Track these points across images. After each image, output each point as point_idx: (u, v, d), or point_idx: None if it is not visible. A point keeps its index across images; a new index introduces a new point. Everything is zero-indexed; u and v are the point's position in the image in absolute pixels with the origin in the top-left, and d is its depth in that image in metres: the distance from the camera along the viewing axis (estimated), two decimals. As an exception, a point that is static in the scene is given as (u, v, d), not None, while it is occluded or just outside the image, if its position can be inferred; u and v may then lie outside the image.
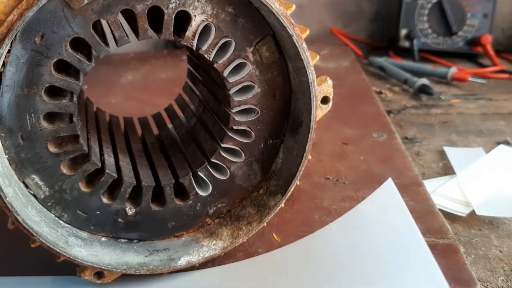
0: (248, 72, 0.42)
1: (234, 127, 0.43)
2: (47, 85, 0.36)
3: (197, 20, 0.39)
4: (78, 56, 0.36)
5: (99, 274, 0.41)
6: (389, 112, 0.95)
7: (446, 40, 1.40)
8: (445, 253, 0.44)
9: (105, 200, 0.41)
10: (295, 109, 0.45)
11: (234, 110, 0.43)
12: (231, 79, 0.41)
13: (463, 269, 0.42)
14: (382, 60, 1.27)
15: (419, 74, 1.16)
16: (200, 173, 0.44)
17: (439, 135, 0.84)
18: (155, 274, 0.42)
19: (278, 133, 0.46)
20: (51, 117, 0.38)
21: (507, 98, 1.06)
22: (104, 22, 0.37)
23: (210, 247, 0.45)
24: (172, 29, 0.38)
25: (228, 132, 0.43)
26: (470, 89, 1.13)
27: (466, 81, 1.14)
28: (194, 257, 0.44)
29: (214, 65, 0.41)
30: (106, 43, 0.37)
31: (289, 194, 0.44)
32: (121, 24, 0.37)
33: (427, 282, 0.36)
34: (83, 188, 0.40)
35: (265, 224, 0.45)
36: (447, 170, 0.69)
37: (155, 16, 0.38)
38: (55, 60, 0.36)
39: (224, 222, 0.46)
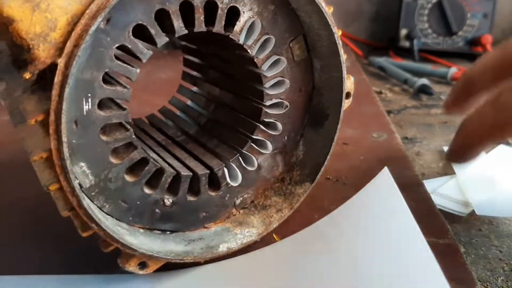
0: (282, 68, 0.45)
1: (266, 120, 0.46)
2: (106, 70, 0.36)
3: (245, 16, 0.41)
4: (139, 43, 0.36)
5: (143, 264, 0.40)
6: (389, 112, 0.95)
7: (446, 40, 1.40)
8: (445, 253, 0.44)
9: (146, 190, 0.41)
10: (318, 104, 0.49)
11: (267, 104, 0.46)
12: (268, 74, 0.45)
13: (463, 269, 0.42)
14: (382, 60, 1.27)
15: (419, 74, 1.17)
16: (232, 164, 0.46)
17: (439, 135, 0.84)
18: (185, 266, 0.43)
19: (300, 127, 0.50)
20: (105, 103, 0.38)
21: None
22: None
23: (245, 234, 0.46)
24: (224, 23, 0.40)
25: (259, 125, 0.46)
26: (470, 89, 1.13)
27: (466, 81, 1.14)
28: (232, 243, 0.45)
29: (255, 60, 0.43)
30: (166, 33, 0.37)
31: (316, 181, 0.49)
32: (180, 14, 0.37)
33: (427, 279, 0.35)
34: (127, 177, 0.40)
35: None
36: (447, 170, 0.69)
37: (206, 10, 0.39)
38: (117, 45, 0.35)
39: (249, 212, 0.48)
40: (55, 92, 0.31)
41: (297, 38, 0.46)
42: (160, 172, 0.41)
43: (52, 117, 0.32)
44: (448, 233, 0.48)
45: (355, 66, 1.18)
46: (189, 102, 0.58)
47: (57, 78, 0.31)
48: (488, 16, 1.36)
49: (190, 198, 0.44)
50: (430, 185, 0.62)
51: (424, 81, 1.07)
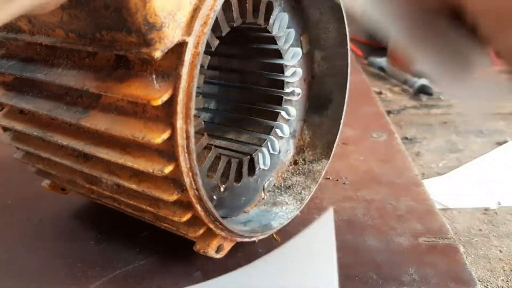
0: (299, 59, 0.49)
1: (285, 106, 0.50)
2: None
3: (276, 10, 0.44)
4: (211, 33, 0.36)
5: (219, 247, 0.41)
6: (389, 112, 0.95)
7: (446, 40, 1.40)
8: (445, 253, 0.45)
9: (209, 176, 0.42)
10: (318, 91, 0.52)
11: (287, 91, 0.49)
12: (290, 64, 0.48)
13: (463, 269, 0.42)
14: (382, 61, 1.27)
15: (419, 74, 1.17)
16: (264, 148, 0.48)
17: (439, 135, 0.84)
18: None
19: (303, 113, 0.53)
20: None
21: (507, 98, 1.06)
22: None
23: (285, 211, 0.48)
24: (264, 15, 0.42)
25: (281, 111, 0.49)
26: (470, 89, 1.13)
27: (466, 81, 1.14)
28: (281, 220, 0.47)
29: (280, 50, 0.46)
30: (228, 22, 0.39)
31: (332, 157, 0.51)
32: (238, 6, 0.39)
33: None
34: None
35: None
36: (447, 170, 0.69)
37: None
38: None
39: (275, 194, 0.51)
40: (185, 70, 0.30)
41: (304, 33, 0.49)
42: (218, 158, 0.42)
43: (181, 95, 0.31)
44: (448, 233, 0.48)
45: (355, 66, 1.18)
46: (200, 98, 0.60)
47: (187, 56, 0.30)
48: (488, 16, 1.36)
49: (236, 183, 0.46)
50: (430, 185, 0.62)
51: (424, 81, 1.07)
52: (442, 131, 0.86)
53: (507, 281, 0.45)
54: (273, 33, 0.45)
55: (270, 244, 0.47)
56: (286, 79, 0.49)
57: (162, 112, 0.32)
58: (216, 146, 0.48)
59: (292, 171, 0.53)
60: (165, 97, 0.30)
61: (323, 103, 0.52)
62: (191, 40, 0.30)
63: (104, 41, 0.32)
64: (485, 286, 0.45)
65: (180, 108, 0.31)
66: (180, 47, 0.30)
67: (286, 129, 0.51)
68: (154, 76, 0.31)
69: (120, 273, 0.43)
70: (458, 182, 0.65)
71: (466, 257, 0.47)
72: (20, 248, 0.47)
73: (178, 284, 0.41)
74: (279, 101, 0.50)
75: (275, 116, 0.50)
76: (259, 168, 0.48)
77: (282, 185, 0.52)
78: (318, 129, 0.53)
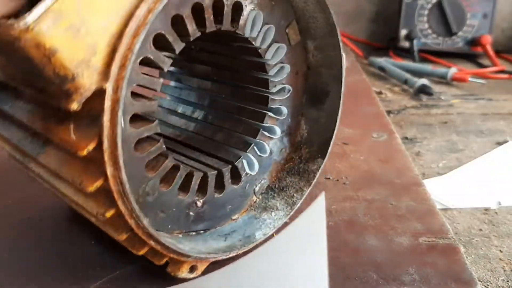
0: (284, 55, 0.47)
1: (273, 107, 0.48)
2: (134, 85, 0.34)
3: (247, 10, 0.42)
4: (160, 54, 0.35)
5: (192, 268, 0.41)
6: (389, 112, 0.95)
7: (446, 40, 1.40)
8: (445, 253, 0.45)
9: (180, 195, 0.42)
10: (314, 83, 0.51)
11: (273, 91, 0.47)
12: (272, 62, 0.46)
13: (463, 269, 0.42)
14: (382, 61, 1.27)
15: (419, 74, 1.17)
16: (249, 154, 0.47)
17: (439, 135, 0.84)
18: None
19: (299, 107, 0.51)
20: (134, 119, 0.36)
21: (507, 98, 1.06)
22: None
23: (273, 218, 0.48)
24: (230, 20, 0.40)
25: (268, 112, 0.48)
26: (470, 89, 1.13)
27: (466, 81, 1.15)
28: (266, 229, 0.47)
29: (259, 50, 0.45)
30: (181, 38, 0.37)
31: (328, 155, 0.50)
32: (193, 18, 0.37)
33: None
34: (162, 187, 0.40)
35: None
36: (447, 170, 0.69)
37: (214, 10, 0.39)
38: (141, 58, 0.34)
39: (269, 196, 0.50)
40: (106, 117, 0.29)
41: (291, 23, 0.47)
42: (190, 175, 0.42)
43: (106, 144, 0.30)
44: (448, 233, 0.48)
45: (355, 66, 1.18)
46: (169, 98, 0.58)
47: (107, 104, 0.29)
48: (488, 16, 1.36)
49: (217, 194, 0.45)
50: (430, 185, 0.62)
51: (424, 81, 1.07)
52: (442, 131, 0.86)
53: (508, 281, 0.45)
54: (246, 35, 0.42)
55: (266, 239, 0.47)
56: (271, 78, 0.47)
57: (96, 157, 0.31)
58: (190, 159, 0.47)
59: (288, 170, 0.52)
60: (91, 146, 0.30)
61: (319, 96, 0.51)
62: (109, 86, 0.29)
63: (37, 87, 0.31)
64: (485, 286, 0.45)
65: (107, 156, 0.30)
66: (101, 93, 0.29)
67: (277, 129, 0.49)
68: (86, 121, 0.31)
69: (121, 273, 0.43)
70: (458, 182, 0.65)
71: (467, 257, 0.46)
72: (20, 248, 0.47)
73: (178, 283, 0.41)
74: (265, 101, 0.48)
75: (262, 117, 0.48)
76: (246, 174, 0.47)
77: (276, 186, 0.51)
78: (316, 123, 0.51)
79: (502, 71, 1.25)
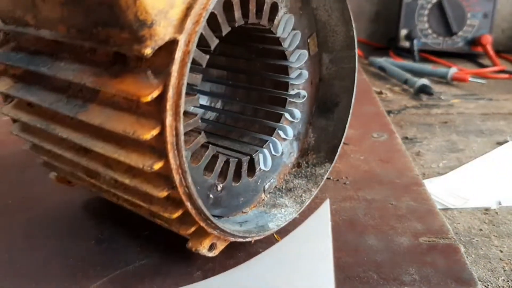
0: (304, 62, 0.49)
1: (289, 108, 0.50)
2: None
3: (281, 12, 0.44)
4: (210, 31, 0.36)
5: (212, 246, 0.41)
6: (389, 112, 0.95)
7: (446, 40, 1.40)
8: (445, 253, 0.45)
9: (205, 175, 0.42)
10: (325, 94, 0.53)
11: (291, 93, 0.50)
12: (295, 65, 0.48)
13: (463, 269, 0.42)
14: (382, 61, 1.27)
15: (419, 74, 1.17)
16: (265, 150, 0.49)
17: (439, 135, 0.84)
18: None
19: (309, 116, 0.54)
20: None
21: (507, 98, 1.06)
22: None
23: (283, 213, 0.49)
24: (268, 16, 0.43)
25: (285, 113, 0.50)
26: (470, 89, 1.13)
27: (466, 81, 1.15)
28: (278, 221, 0.47)
29: (285, 52, 0.47)
30: (230, 21, 0.38)
31: (335, 160, 0.52)
32: (240, 6, 0.39)
33: None
34: (192, 162, 0.40)
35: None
36: (448, 170, 0.69)
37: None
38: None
39: (276, 195, 0.51)
40: (175, 67, 0.31)
41: (312, 34, 0.50)
42: (215, 157, 0.42)
43: (170, 92, 0.31)
44: (449, 233, 0.48)
45: (355, 66, 1.18)
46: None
47: (178, 54, 0.31)
48: (488, 16, 1.36)
49: (234, 183, 0.46)
50: (430, 185, 0.62)
51: (424, 81, 1.07)
52: (442, 131, 0.86)
53: (508, 281, 0.45)
54: (278, 35, 0.45)
55: (270, 243, 0.47)
56: (291, 81, 0.49)
57: (153, 109, 0.32)
58: (216, 145, 0.48)
59: (295, 173, 0.53)
60: (155, 93, 0.31)
61: (329, 107, 0.53)
62: (182, 38, 0.31)
63: (100, 37, 0.32)
64: (485, 286, 0.45)
65: (169, 105, 0.31)
66: (172, 45, 0.31)
67: (290, 131, 0.51)
68: (149, 72, 0.31)
69: (121, 272, 0.43)
70: (458, 182, 0.65)
71: (467, 257, 0.46)
72: (20, 248, 0.47)
73: (178, 284, 0.41)
74: (283, 103, 0.50)
75: (278, 117, 0.50)
76: (260, 169, 0.48)
77: (283, 187, 0.52)
78: (324, 132, 0.53)
79: (502, 71, 1.25)
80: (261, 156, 0.48)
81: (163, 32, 0.30)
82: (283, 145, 0.51)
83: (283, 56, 0.48)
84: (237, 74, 0.56)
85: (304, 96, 0.51)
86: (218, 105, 0.58)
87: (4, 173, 0.62)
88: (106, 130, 0.34)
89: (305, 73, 0.50)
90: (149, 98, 0.30)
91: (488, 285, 0.45)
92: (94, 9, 0.30)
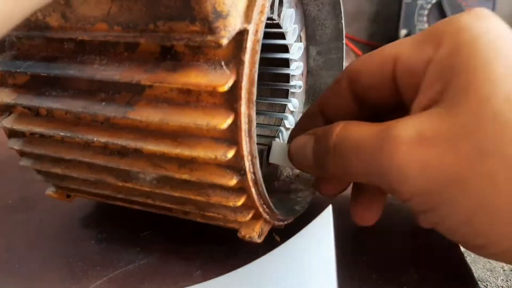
0: (301, 55, 0.52)
1: (291, 98, 0.53)
2: None
3: (285, 6, 0.45)
4: None
5: (260, 232, 0.42)
6: (389, 112, 0.95)
7: (446, 41, 1.40)
8: (445, 252, 0.45)
9: None
10: (314, 84, 0.56)
11: (292, 84, 0.52)
12: (295, 57, 0.51)
13: (463, 268, 0.43)
14: (382, 61, 1.27)
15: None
16: (277, 139, 0.51)
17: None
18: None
19: (302, 107, 0.56)
20: None
21: (506, 98, 1.06)
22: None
23: (302, 196, 0.50)
24: (277, 11, 0.44)
25: (288, 103, 0.53)
26: (470, 89, 1.13)
27: (466, 81, 1.14)
28: (301, 204, 0.48)
29: (288, 46, 0.49)
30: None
31: None
32: None
33: None
34: None
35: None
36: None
37: None
38: None
39: (286, 183, 0.53)
40: (247, 56, 0.32)
41: (303, 29, 0.52)
42: None
43: (244, 81, 0.32)
44: (448, 233, 0.48)
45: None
46: None
47: (249, 43, 0.32)
48: (488, 17, 1.36)
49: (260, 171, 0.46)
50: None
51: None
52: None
53: (507, 280, 0.45)
54: (283, 28, 0.46)
55: (270, 244, 0.47)
56: (292, 73, 0.51)
57: (220, 100, 0.33)
58: None
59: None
60: (230, 82, 0.31)
61: (318, 96, 0.55)
62: (251, 28, 0.32)
63: (159, 32, 0.32)
64: (484, 285, 0.45)
65: (243, 93, 0.32)
66: (240, 35, 0.32)
67: (292, 120, 0.54)
68: (215, 64, 0.32)
69: (121, 272, 0.43)
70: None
71: (466, 257, 0.47)
72: (20, 248, 0.47)
73: (178, 284, 0.41)
74: (285, 94, 0.53)
75: (283, 108, 0.53)
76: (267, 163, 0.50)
77: (290, 173, 0.54)
78: None
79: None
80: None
81: (234, 22, 0.31)
82: (286, 134, 0.54)
83: (285, 49, 0.49)
84: None
85: (301, 87, 0.53)
86: None
87: (4, 173, 0.62)
88: (161, 128, 0.35)
89: (301, 64, 0.52)
90: (225, 88, 0.31)
91: (487, 284, 0.45)
92: (159, 3, 0.31)
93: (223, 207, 0.39)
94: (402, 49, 0.34)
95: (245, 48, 0.31)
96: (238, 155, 0.34)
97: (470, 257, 0.49)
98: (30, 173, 0.48)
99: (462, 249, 0.48)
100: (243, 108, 0.32)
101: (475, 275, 0.43)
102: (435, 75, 0.30)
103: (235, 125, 0.33)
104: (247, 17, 0.32)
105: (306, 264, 0.41)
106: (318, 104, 0.44)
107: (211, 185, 0.37)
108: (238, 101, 0.32)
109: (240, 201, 0.37)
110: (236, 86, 0.32)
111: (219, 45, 0.30)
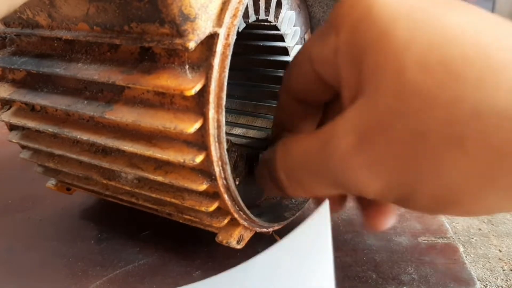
0: None
1: None
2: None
3: (284, 8, 0.45)
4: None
5: (240, 238, 0.41)
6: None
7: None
8: (444, 252, 0.45)
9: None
10: None
11: None
12: None
13: (462, 268, 0.43)
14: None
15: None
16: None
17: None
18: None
19: None
20: None
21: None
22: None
23: (294, 203, 0.49)
24: (274, 13, 0.44)
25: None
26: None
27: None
28: (292, 211, 0.47)
29: (287, 48, 0.48)
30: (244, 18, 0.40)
31: None
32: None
33: None
34: None
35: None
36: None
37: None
38: None
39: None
40: (217, 60, 0.31)
41: (308, 31, 0.51)
42: (232, 151, 0.43)
43: (213, 85, 0.31)
44: (448, 233, 0.48)
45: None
46: None
47: (219, 47, 0.31)
48: (488, 16, 1.36)
49: (247, 177, 0.46)
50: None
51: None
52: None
53: (507, 280, 0.45)
54: (282, 31, 0.46)
55: (270, 244, 0.47)
56: None
57: (191, 103, 0.32)
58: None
59: None
60: (198, 87, 0.31)
61: None
62: (222, 32, 0.31)
63: (133, 33, 0.32)
64: (484, 285, 0.45)
65: (212, 98, 0.31)
66: (211, 38, 0.31)
67: None
68: (186, 67, 0.32)
69: (121, 272, 0.43)
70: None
71: (466, 257, 0.47)
72: (20, 248, 0.47)
73: (178, 283, 0.41)
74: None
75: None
76: None
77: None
78: None
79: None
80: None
81: (203, 26, 0.30)
82: None
83: (285, 52, 0.49)
84: (233, 72, 0.58)
85: None
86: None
87: (4, 173, 0.62)
88: (137, 128, 0.35)
89: None
90: (192, 92, 0.31)
91: (487, 284, 0.45)
92: (130, 5, 0.31)
93: (198, 211, 0.39)
94: (312, 46, 0.33)
95: (215, 52, 0.31)
96: (208, 160, 0.34)
97: (470, 257, 0.49)
98: (30, 173, 0.49)
99: (462, 249, 0.48)
100: (211, 113, 0.32)
101: (475, 275, 0.43)
102: (345, 63, 0.28)
103: (204, 130, 0.32)
104: (219, 20, 0.31)
105: (304, 259, 0.41)
106: (287, 91, 0.40)
107: (185, 189, 0.37)
108: (206, 105, 0.31)
109: (213, 206, 0.37)
110: (205, 91, 0.31)
111: (186, 48, 0.30)
